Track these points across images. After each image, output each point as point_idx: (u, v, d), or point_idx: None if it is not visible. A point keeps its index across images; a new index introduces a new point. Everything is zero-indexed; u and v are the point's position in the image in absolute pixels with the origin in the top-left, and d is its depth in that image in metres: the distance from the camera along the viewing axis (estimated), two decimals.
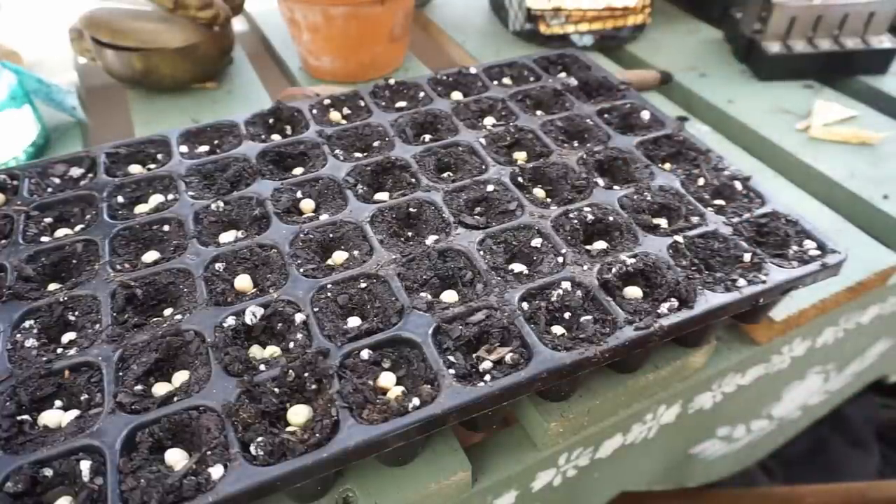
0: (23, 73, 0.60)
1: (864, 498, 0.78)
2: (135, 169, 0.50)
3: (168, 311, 0.39)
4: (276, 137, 0.53)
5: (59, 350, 0.36)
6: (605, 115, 0.54)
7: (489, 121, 0.55)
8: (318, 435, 0.31)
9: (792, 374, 0.56)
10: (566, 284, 0.38)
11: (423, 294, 0.39)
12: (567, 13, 0.74)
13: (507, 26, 0.81)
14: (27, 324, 0.37)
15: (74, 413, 0.33)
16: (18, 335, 0.37)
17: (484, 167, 0.48)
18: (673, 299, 0.38)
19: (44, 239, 0.43)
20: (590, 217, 0.44)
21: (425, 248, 0.41)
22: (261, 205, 0.45)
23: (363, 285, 0.39)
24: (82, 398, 0.34)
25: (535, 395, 0.40)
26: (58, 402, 0.34)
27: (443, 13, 0.89)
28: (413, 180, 0.47)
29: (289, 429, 0.32)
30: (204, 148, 0.52)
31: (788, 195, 0.56)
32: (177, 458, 0.31)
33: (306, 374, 0.34)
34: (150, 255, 0.42)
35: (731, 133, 0.64)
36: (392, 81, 0.58)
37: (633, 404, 0.43)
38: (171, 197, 0.47)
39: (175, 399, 0.33)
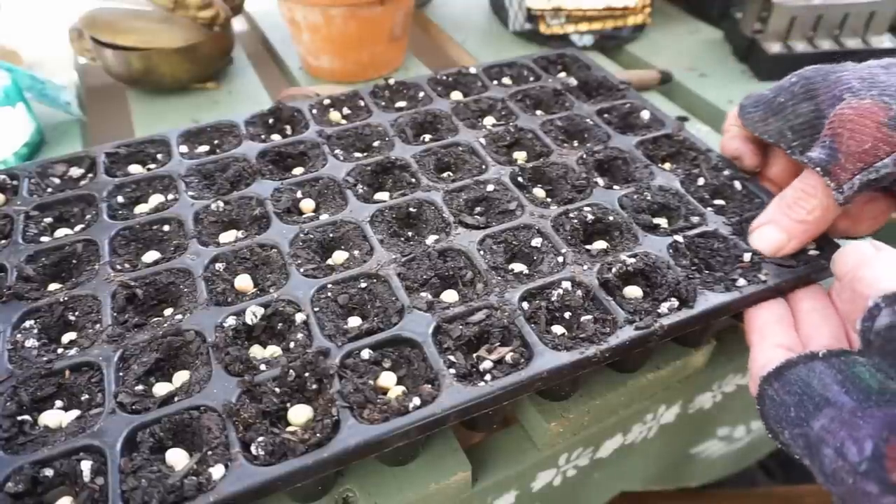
0: (15, 71, 0.60)
1: None
2: (135, 169, 0.50)
3: (168, 311, 0.39)
4: (276, 137, 0.53)
5: (60, 350, 0.36)
6: (605, 115, 0.54)
7: (489, 121, 0.55)
8: (318, 435, 0.31)
9: None
10: (566, 284, 0.38)
11: (423, 294, 0.39)
12: (567, 13, 0.74)
13: (507, 26, 0.81)
14: (27, 324, 0.37)
15: (75, 413, 0.33)
16: (19, 335, 0.37)
17: (484, 167, 0.48)
18: (673, 299, 0.38)
19: (44, 239, 0.43)
20: (590, 217, 0.44)
21: (425, 247, 0.41)
22: (261, 205, 0.45)
23: (363, 285, 0.39)
24: (83, 398, 0.34)
25: (535, 395, 0.40)
26: (58, 403, 0.34)
27: (443, 13, 0.89)
28: (413, 180, 0.47)
29: (289, 429, 0.32)
30: (204, 148, 0.52)
31: None
32: (178, 457, 0.31)
33: (307, 374, 0.34)
34: (151, 255, 0.42)
35: None
36: (392, 81, 0.59)
37: (633, 404, 0.43)
38: (171, 197, 0.47)
39: (176, 399, 0.33)
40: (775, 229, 0.39)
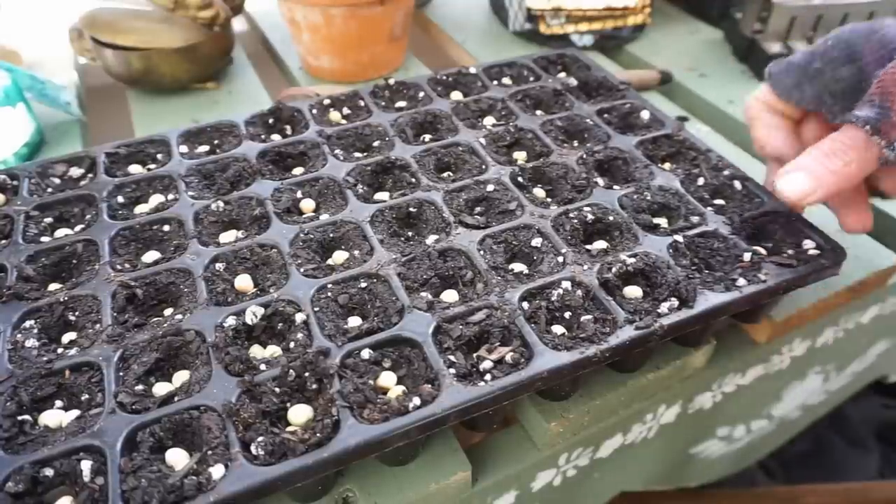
0: (16, 71, 0.60)
1: (865, 498, 0.78)
2: (135, 169, 0.50)
3: (168, 311, 0.39)
4: (276, 137, 0.53)
5: (60, 350, 0.36)
6: (605, 115, 0.54)
7: (489, 121, 0.55)
8: (318, 435, 0.31)
9: (792, 374, 0.56)
10: (566, 284, 0.38)
11: (423, 294, 0.39)
12: (567, 13, 0.74)
13: (507, 26, 0.81)
14: (27, 324, 0.37)
15: (75, 413, 0.33)
16: (19, 335, 0.37)
17: (484, 167, 0.48)
18: (673, 299, 0.38)
19: (44, 239, 0.43)
20: (590, 217, 0.44)
21: (425, 247, 0.41)
22: (261, 205, 0.45)
23: (363, 285, 0.39)
24: (83, 398, 0.34)
25: (535, 395, 0.40)
26: (58, 402, 0.34)
27: (443, 13, 0.89)
28: (413, 180, 0.47)
29: (289, 428, 0.32)
30: (204, 148, 0.52)
31: None
32: (178, 457, 0.31)
33: (307, 374, 0.34)
34: (151, 255, 0.42)
35: (730, 133, 0.64)
36: (392, 81, 0.58)
37: (633, 404, 0.43)
38: (171, 197, 0.47)
39: (176, 399, 0.33)
40: (806, 177, 0.38)
